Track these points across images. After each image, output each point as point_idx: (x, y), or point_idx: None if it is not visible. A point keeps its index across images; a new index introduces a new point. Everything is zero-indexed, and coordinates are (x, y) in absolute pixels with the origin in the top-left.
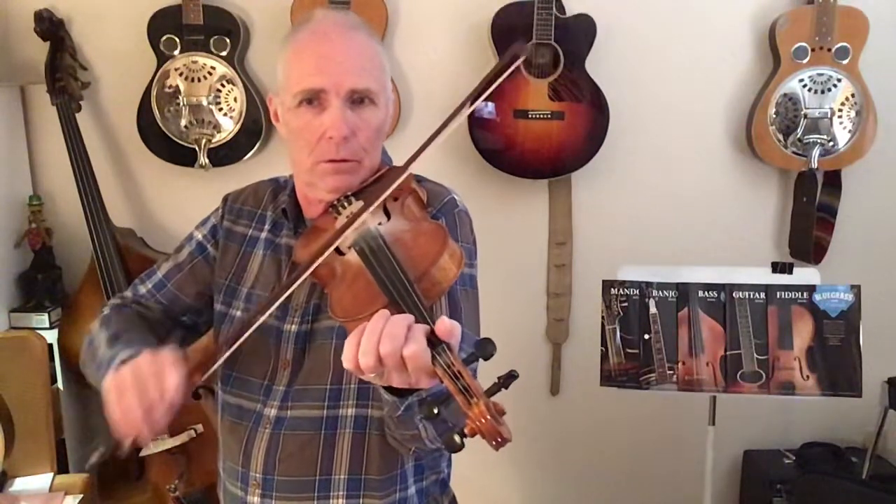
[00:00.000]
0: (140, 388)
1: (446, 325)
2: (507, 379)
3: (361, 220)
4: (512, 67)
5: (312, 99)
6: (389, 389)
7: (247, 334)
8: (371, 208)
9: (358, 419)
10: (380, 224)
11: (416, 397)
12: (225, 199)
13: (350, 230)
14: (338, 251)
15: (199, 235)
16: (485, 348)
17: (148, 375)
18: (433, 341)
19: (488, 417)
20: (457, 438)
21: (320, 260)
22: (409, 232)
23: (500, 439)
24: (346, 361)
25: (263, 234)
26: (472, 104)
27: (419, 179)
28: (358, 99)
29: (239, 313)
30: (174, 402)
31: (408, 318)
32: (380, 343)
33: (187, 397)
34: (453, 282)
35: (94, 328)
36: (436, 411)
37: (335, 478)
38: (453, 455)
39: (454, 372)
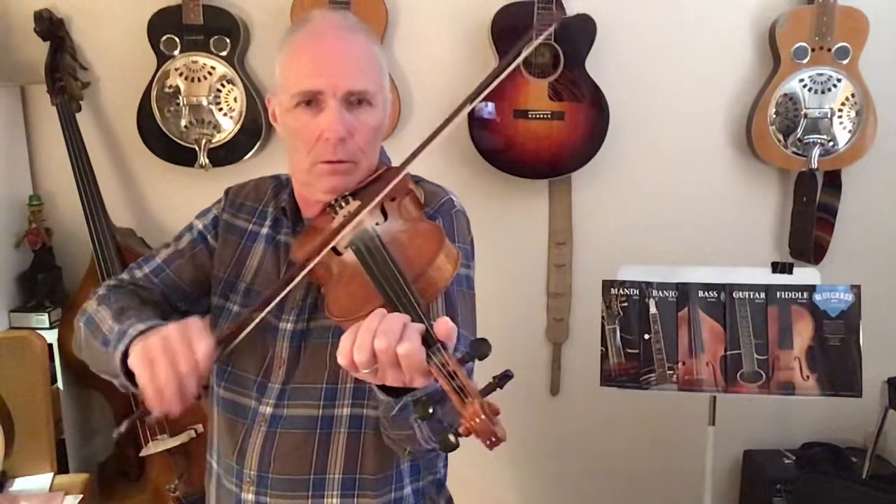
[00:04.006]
0: (171, 357)
1: (446, 326)
2: (503, 379)
3: (358, 219)
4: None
5: (310, 100)
6: (384, 389)
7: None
8: (368, 209)
9: (353, 419)
10: (377, 224)
11: (410, 397)
12: (227, 192)
13: (347, 230)
14: (335, 251)
15: (199, 225)
16: (480, 348)
17: (178, 345)
18: (428, 340)
19: (483, 417)
20: (452, 438)
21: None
22: (405, 232)
23: (494, 439)
24: (342, 357)
25: (264, 230)
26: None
27: (417, 180)
28: (355, 100)
29: (236, 308)
30: (205, 371)
31: (404, 316)
32: (375, 339)
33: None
34: (449, 282)
35: (89, 307)
36: (431, 411)
37: (330, 477)
38: (450, 455)
39: (449, 371)
